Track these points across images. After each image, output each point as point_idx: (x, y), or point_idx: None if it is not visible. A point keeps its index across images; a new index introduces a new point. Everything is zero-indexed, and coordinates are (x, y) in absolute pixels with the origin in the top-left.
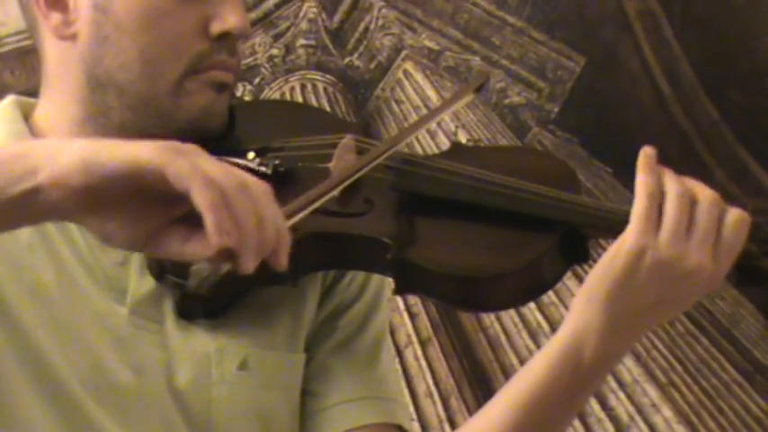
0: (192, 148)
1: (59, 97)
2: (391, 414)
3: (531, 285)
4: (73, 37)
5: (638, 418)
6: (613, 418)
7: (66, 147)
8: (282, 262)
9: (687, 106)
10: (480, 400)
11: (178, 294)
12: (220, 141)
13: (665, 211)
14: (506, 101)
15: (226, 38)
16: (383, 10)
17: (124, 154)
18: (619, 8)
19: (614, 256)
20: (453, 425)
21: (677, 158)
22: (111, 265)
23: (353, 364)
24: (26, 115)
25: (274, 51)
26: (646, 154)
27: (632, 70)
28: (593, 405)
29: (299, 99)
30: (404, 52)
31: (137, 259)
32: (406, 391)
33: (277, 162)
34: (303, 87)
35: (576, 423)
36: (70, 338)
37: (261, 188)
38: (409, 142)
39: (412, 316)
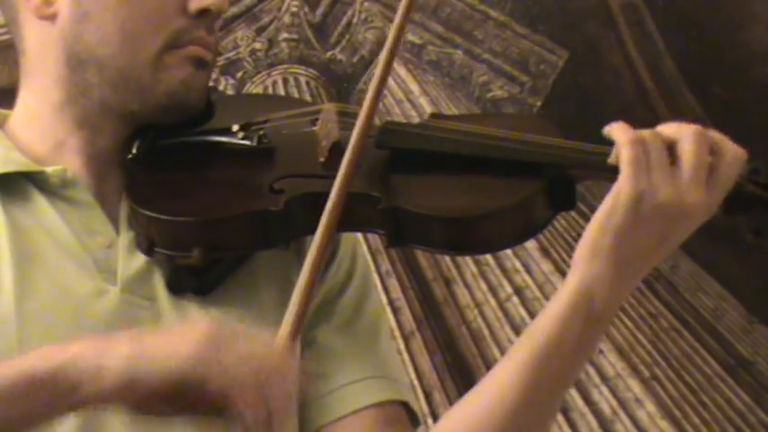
0: (229, 337)
1: (39, 82)
2: (397, 392)
3: (521, 226)
4: (53, 16)
5: (621, 412)
6: (596, 413)
7: (106, 358)
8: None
9: (670, 100)
10: (463, 394)
11: (168, 268)
12: (202, 120)
13: (650, 153)
14: (489, 95)
15: (204, 15)
16: (366, 4)
17: (166, 368)
18: (601, 2)
19: (613, 206)
20: (437, 418)
21: None
22: (98, 249)
23: (356, 345)
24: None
25: (257, 45)
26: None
27: (615, 64)
28: (576, 399)
29: (282, 93)
30: None
31: (123, 239)
32: None
33: (261, 133)
34: (285, 81)
35: (559, 417)
36: (57, 327)
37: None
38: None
39: (395, 310)
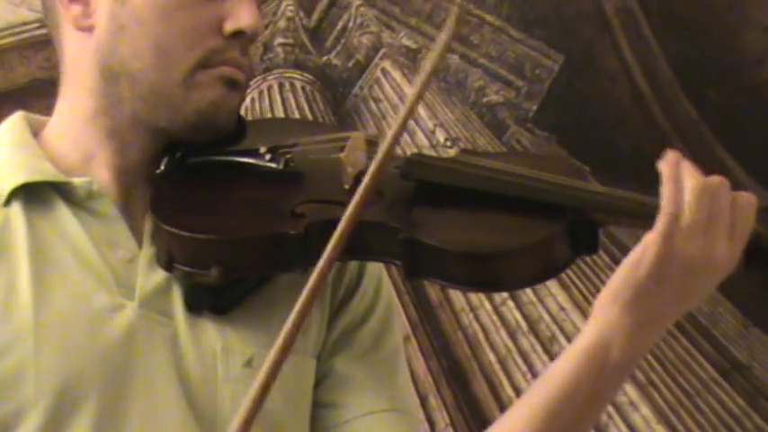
0: None
1: (74, 93)
2: (410, 426)
3: (541, 266)
4: (90, 28)
5: (616, 416)
6: None
7: None
8: None
9: (666, 105)
10: (459, 399)
11: (186, 285)
12: (232, 140)
13: (685, 209)
14: (484, 99)
15: (239, 37)
16: (361, 8)
17: None
18: (597, 7)
19: (639, 260)
20: (432, 423)
21: (655, 157)
22: (118, 262)
23: (373, 377)
24: (36, 131)
25: None
26: (670, 163)
27: (610, 69)
28: None
29: (277, 98)
30: (382, 51)
31: (145, 254)
32: None
33: (288, 156)
34: (281, 86)
35: None
36: (72, 340)
37: None
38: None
39: None
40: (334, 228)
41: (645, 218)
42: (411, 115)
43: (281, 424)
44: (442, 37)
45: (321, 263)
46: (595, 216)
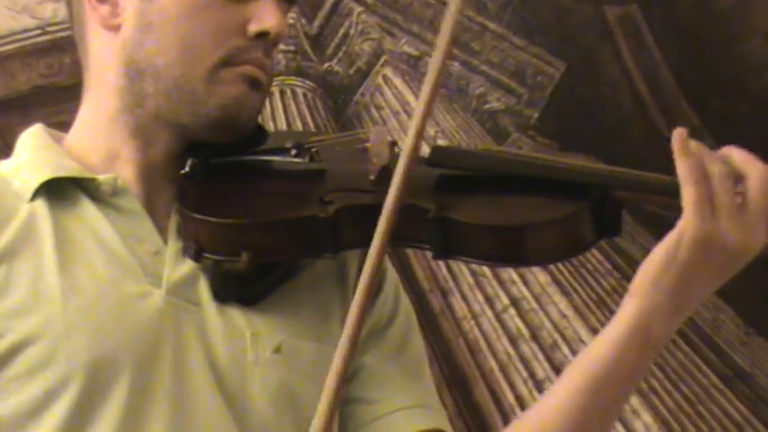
0: None
1: (97, 94)
2: (439, 422)
3: (567, 242)
4: (118, 27)
5: (618, 424)
6: None
7: None
8: None
9: (668, 112)
10: (460, 406)
11: (215, 274)
12: (255, 142)
13: (718, 193)
14: (486, 106)
15: (263, 38)
16: (363, 15)
17: None
18: (599, 14)
19: (677, 243)
20: None
21: (657, 165)
22: (145, 254)
23: (404, 374)
24: (56, 139)
25: None
26: (679, 137)
27: (612, 76)
28: None
29: (278, 105)
30: (383, 57)
31: (171, 249)
32: None
33: (314, 151)
34: (282, 93)
35: None
36: (102, 324)
37: None
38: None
39: None
40: (363, 213)
41: (667, 194)
42: (437, 89)
43: (312, 416)
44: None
45: (373, 250)
46: (619, 194)
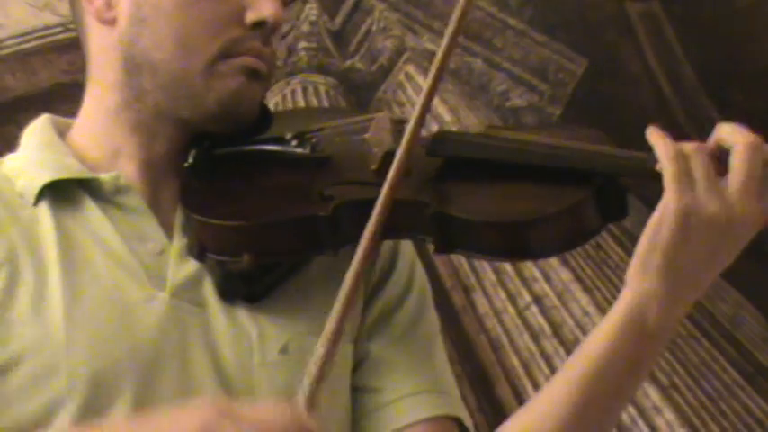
0: (231, 410)
1: (98, 88)
2: (451, 407)
3: (571, 232)
4: (113, 21)
5: (639, 420)
6: None
7: None
8: None
9: (689, 108)
10: (482, 403)
11: (219, 274)
12: (258, 130)
13: (693, 167)
14: (508, 103)
15: (260, 27)
16: (384, 12)
17: None
18: (620, 10)
19: (659, 222)
20: None
21: None
22: (148, 255)
23: (411, 358)
24: (62, 131)
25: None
26: (653, 129)
27: (634, 73)
28: None
29: (301, 102)
30: (405, 54)
31: (176, 246)
32: None
33: (314, 141)
34: (304, 90)
35: None
36: (105, 333)
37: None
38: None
39: None
40: (364, 208)
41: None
42: (441, 74)
43: (319, 416)
44: None
45: (360, 247)
46: (622, 180)
